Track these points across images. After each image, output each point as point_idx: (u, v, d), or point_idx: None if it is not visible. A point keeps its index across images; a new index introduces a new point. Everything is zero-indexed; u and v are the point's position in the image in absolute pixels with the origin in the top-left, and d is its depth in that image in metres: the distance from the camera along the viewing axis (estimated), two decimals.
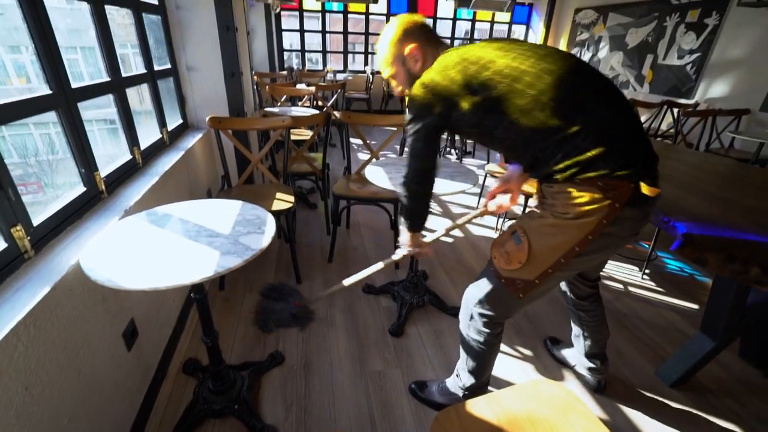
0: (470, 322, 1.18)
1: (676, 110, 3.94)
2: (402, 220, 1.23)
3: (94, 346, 1.02)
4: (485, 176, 2.84)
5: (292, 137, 2.97)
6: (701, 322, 1.48)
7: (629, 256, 2.51)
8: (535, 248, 0.98)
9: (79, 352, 0.95)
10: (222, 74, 2.28)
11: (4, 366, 0.72)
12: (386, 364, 1.58)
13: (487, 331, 1.16)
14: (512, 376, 1.56)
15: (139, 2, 1.72)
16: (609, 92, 0.93)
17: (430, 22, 7.13)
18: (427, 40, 1.12)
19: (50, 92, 1.08)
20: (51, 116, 1.11)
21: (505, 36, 7.70)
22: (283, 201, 1.91)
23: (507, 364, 1.61)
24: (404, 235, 1.26)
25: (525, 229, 1.02)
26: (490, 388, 1.34)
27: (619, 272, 2.33)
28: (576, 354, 1.52)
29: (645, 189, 0.87)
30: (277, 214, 1.76)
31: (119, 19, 1.67)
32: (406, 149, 1.12)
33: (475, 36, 7.52)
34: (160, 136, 1.87)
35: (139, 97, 1.84)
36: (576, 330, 1.45)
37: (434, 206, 3.22)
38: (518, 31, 7.69)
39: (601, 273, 1.54)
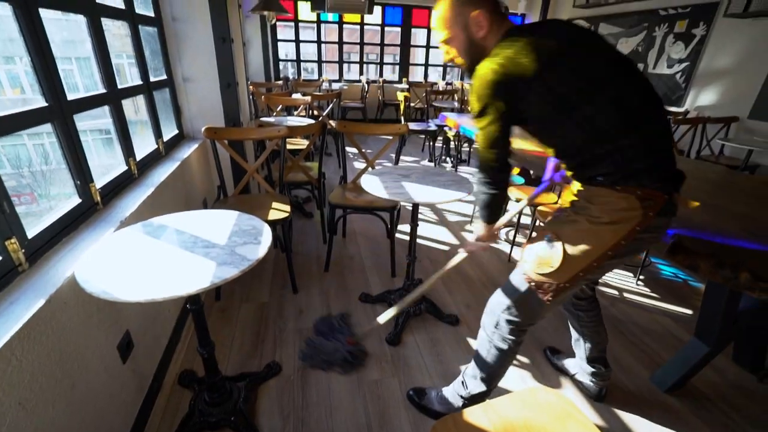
0: (495, 330, 1.18)
1: None
2: (479, 213, 1.20)
3: (88, 358, 1.01)
4: None
5: (288, 146, 2.98)
6: (695, 327, 1.49)
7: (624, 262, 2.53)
8: (568, 252, 1.00)
9: (73, 365, 0.94)
10: (218, 85, 2.29)
11: None
12: (383, 373, 1.58)
13: (512, 338, 1.17)
14: (510, 383, 1.55)
15: (135, 15, 1.73)
16: (660, 109, 0.96)
17: (424, 33, 7.24)
18: (495, 9, 1.03)
19: (46, 104, 1.08)
20: (46, 127, 1.11)
21: None
22: (280, 210, 1.92)
23: None
24: (478, 230, 1.25)
25: (557, 234, 1.03)
26: None
27: (614, 278, 2.35)
28: (577, 360, 1.52)
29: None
30: (273, 224, 1.76)
31: (114, 29, 1.67)
32: (474, 146, 1.07)
33: None
34: (156, 146, 1.88)
35: (134, 107, 1.84)
36: (575, 335, 1.46)
37: (430, 214, 3.23)
38: None
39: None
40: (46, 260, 1.00)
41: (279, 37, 6.83)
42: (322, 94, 4.18)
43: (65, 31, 1.39)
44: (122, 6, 1.64)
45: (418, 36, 7.37)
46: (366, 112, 6.46)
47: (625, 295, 2.19)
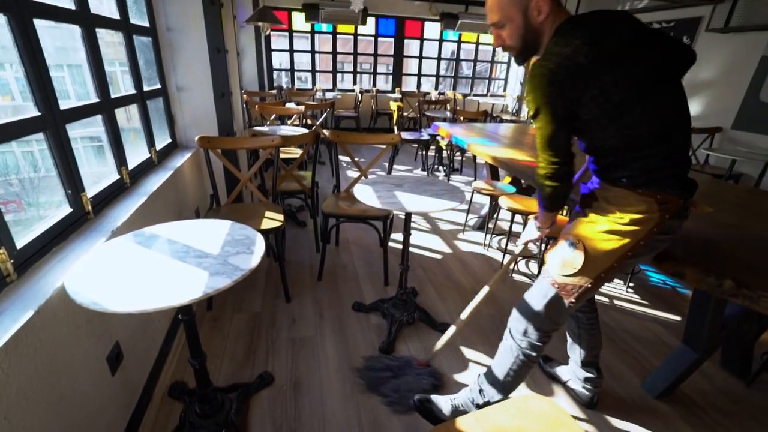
0: (523, 337, 1.19)
1: None
2: (540, 204, 1.20)
3: (77, 370, 0.99)
4: (472, 193, 2.89)
5: (282, 155, 2.98)
6: (683, 334, 1.52)
7: None
8: (591, 254, 1.03)
9: (61, 378, 0.93)
10: (212, 94, 2.30)
11: None
12: None
13: (540, 344, 1.19)
14: None
15: (130, 25, 1.74)
16: (688, 120, 1.01)
17: (417, 43, 7.35)
18: None
19: (38, 114, 1.08)
20: (36, 135, 1.10)
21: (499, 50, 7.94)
22: (273, 220, 1.91)
23: None
24: (540, 219, 1.27)
25: (579, 237, 1.06)
26: None
27: (605, 286, 2.38)
28: (571, 366, 1.53)
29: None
30: (266, 233, 1.76)
31: (108, 37, 1.68)
32: (536, 141, 1.05)
33: (461, 56, 7.75)
34: (149, 155, 1.87)
35: (127, 116, 1.84)
36: (571, 339, 1.48)
37: (423, 223, 3.25)
38: (504, 54, 7.94)
39: None
40: (36, 271, 0.99)
41: (273, 46, 6.88)
42: (316, 104, 4.20)
43: (57, 39, 1.39)
44: (117, 16, 1.65)
45: (411, 46, 7.47)
46: (359, 121, 6.50)
47: (616, 302, 2.22)
